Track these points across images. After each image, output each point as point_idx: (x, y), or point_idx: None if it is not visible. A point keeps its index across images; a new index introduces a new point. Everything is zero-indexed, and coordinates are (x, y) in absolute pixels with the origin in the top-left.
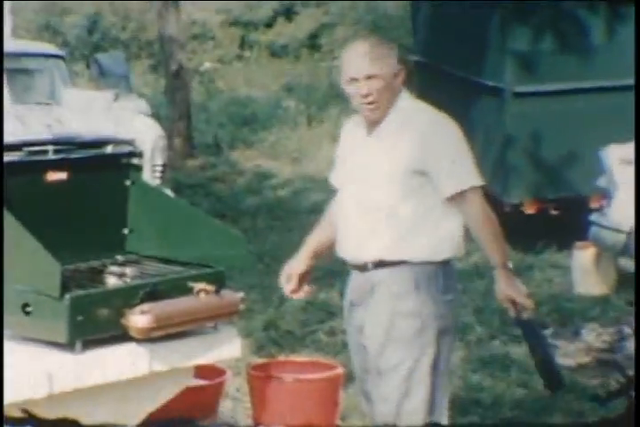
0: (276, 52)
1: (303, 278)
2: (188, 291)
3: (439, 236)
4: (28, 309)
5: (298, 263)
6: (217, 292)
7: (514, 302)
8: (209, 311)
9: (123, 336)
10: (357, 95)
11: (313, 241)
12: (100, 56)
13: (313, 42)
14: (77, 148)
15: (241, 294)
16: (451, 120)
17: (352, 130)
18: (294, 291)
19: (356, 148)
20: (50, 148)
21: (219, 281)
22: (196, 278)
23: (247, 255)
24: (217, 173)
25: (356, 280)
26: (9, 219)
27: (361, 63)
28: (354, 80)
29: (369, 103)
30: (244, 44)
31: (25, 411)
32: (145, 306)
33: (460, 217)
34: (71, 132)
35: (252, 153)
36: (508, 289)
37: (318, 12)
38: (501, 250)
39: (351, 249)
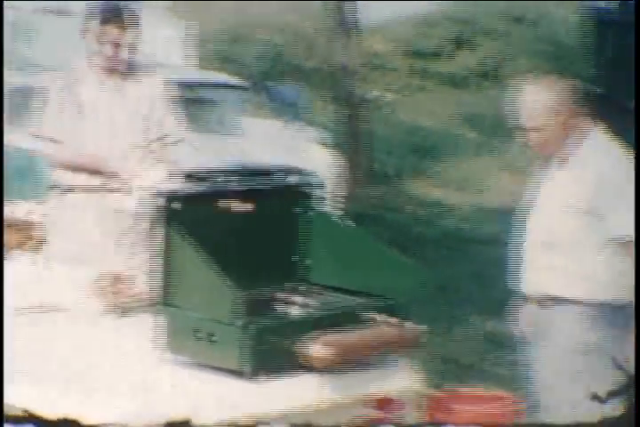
0: (456, 83)
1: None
2: (368, 322)
3: (616, 276)
4: (207, 336)
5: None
6: (398, 323)
7: None
8: (389, 343)
9: (302, 366)
10: (529, 130)
11: None
12: (282, 86)
13: (493, 72)
14: (259, 177)
15: (421, 326)
16: (631, 160)
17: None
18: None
19: (545, 181)
20: (232, 177)
21: (399, 312)
22: (378, 310)
23: (426, 286)
24: (395, 202)
25: (531, 314)
26: (191, 247)
27: (537, 99)
28: (529, 115)
29: (538, 139)
30: (423, 74)
31: (25, 410)
32: (326, 336)
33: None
34: (252, 162)
35: (430, 183)
36: None
37: (499, 42)
38: None
39: (530, 282)
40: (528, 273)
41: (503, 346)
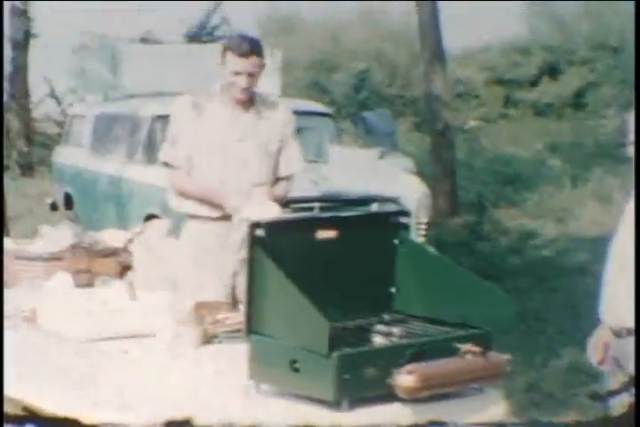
0: (541, 111)
1: (608, 348)
2: (454, 352)
3: None
4: (296, 365)
5: (603, 333)
6: (483, 353)
7: None
8: (475, 373)
9: (389, 396)
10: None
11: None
12: (367, 114)
13: (578, 100)
14: (344, 205)
15: (507, 356)
16: None
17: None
18: (602, 361)
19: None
20: (316, 204)
21: (485, 342)
22: (463, 339)
23: (513, 316)
24: (480, 231)
25: (614, 345)
26: (279, 275)
27: None
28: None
29: None
30: (508, 102)
31: (26, 409)
32: (411, 366)
33: None
34: (338, 190)
35: (515, 212)
36: None
37: (583, 70)
38: None
39: (609, 312)
40: (607, 303)
41: (590, 376)
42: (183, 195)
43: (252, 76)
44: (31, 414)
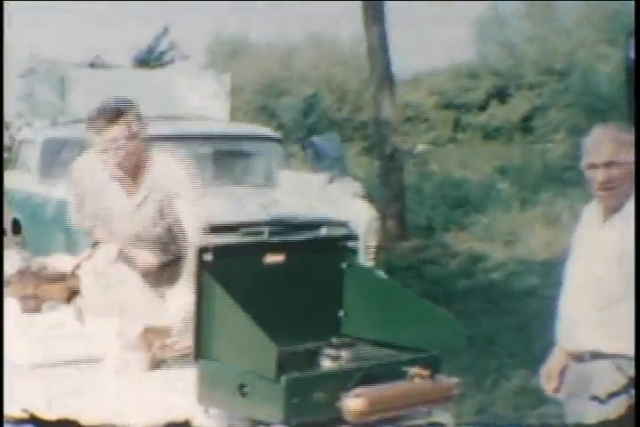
0: (490, 134)
1: (563, 375)
2: (402, 375)
3: None
4: (245, 390)
5: (556, 362)
6: (432, 376)
7: None
8: (423, 396)
9: (338, 420)
10: (595, 181)
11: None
12: (316, 138)
13: (526, 124)
14: (292, 229)
15: (455, 379)
16: None
17: (590, 215)
18: (556, 390)
19: (591, 234)
20: (265, 229)
21: (433, 365)
22: (411, 363)
23: (461, 339)
24: (429, 255)
25: (571, 369)
26: (226, 300)
27: (602, 149)
28: (593, 166)
29: (605, 189)
30: (457, 126)
31: (25, 411)
32: (360, 389)
33: None
34: (286, 214)
35: (464, 235)
36: None
37: (531, 94)
38: None
39: (568, 337)
40: (565, 327)
41: (540, 399)
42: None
43: (129, 139)
44: (30, 416)
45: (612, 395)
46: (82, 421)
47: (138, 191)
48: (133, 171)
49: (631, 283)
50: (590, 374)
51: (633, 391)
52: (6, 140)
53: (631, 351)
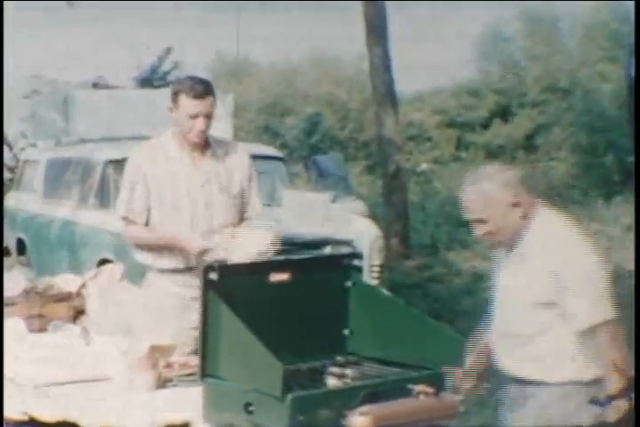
0: (493, 153)
1: (482, 377)
2: (407, 393)
3: (577, 360)
4: (251, 408)
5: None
6: (436, 394)
7: None
8: (428, 413)
9: None
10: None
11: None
12: (319, 157)
13: (529, 142)
14: (296, 248)
15: (460, 397)
16: (590, 246)
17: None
18: (473, 390)
19: (500, 268)
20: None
21: (438, 383)
22: (416, 380)
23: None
24: (433, 273)
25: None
26: (232, 318)
27: (471, 207)
28: (472, 207)
29: (490, 240)
30: (460, 144)
31: (25, 413)
32: (365, 407)
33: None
34: (290, 233)
35: (468, 254)
36: None
37: (534, 112)
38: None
39: (501, 359)
40: (499, 356)
41: None
42: (142, 247)
43: (208, 117)
44: (30, 419)
45: (612, 398)
46: (80, 423)
47: (206, 170)
48: (203, 149)
49: (547, 318)
50: (525, 396)
51: (632, 395)
52: (10, 161)
53: (558, 380)
